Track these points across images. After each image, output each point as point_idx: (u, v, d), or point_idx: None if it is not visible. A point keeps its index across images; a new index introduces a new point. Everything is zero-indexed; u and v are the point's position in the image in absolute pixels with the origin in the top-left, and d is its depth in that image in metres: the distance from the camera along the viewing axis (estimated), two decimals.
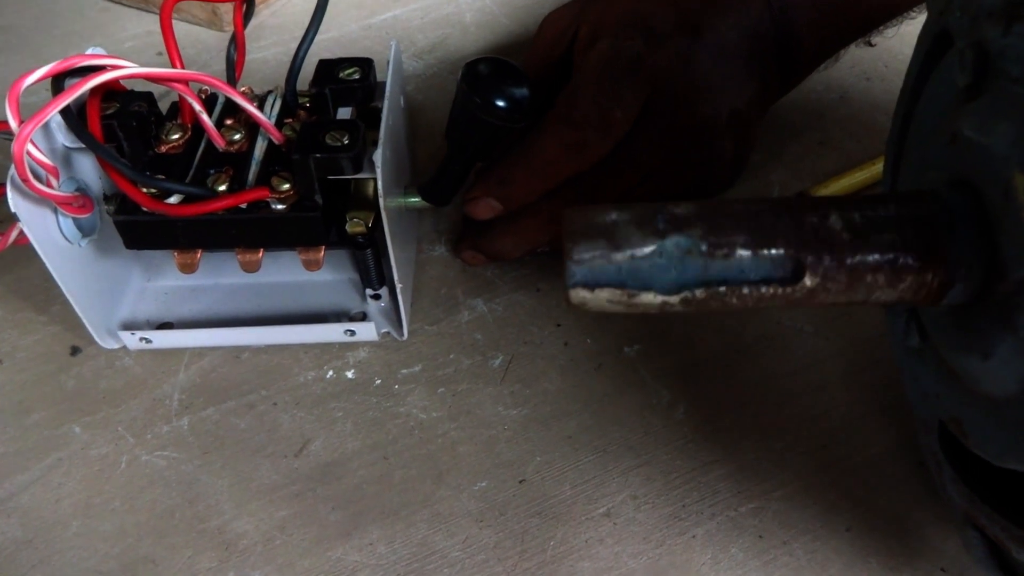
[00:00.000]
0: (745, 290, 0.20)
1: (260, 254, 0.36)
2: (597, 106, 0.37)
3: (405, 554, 0.32)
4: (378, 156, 0.32)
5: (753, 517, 0.33)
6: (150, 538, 0.33)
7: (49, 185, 0.32)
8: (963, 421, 0.23)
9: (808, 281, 0.20)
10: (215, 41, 0.55)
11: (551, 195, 0.39)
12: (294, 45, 0.54)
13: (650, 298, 0.20)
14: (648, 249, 0.20)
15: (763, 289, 0.20)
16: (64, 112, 0.31)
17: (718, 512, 0.33)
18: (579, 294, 0.20)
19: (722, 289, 0.20)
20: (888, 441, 0.35)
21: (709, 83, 0.39)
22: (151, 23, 0.57)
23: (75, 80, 0.31)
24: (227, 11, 0.54)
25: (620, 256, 0.20)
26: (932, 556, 0.32)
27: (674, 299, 0.20)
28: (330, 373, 0.38)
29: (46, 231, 0.34)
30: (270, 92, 0.37)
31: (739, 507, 0.33)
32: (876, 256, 0.20)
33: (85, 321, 0.36)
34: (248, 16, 0.37)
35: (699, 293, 0.20)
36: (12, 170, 0.31)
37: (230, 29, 0.54)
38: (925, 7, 0.29)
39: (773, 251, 0.20)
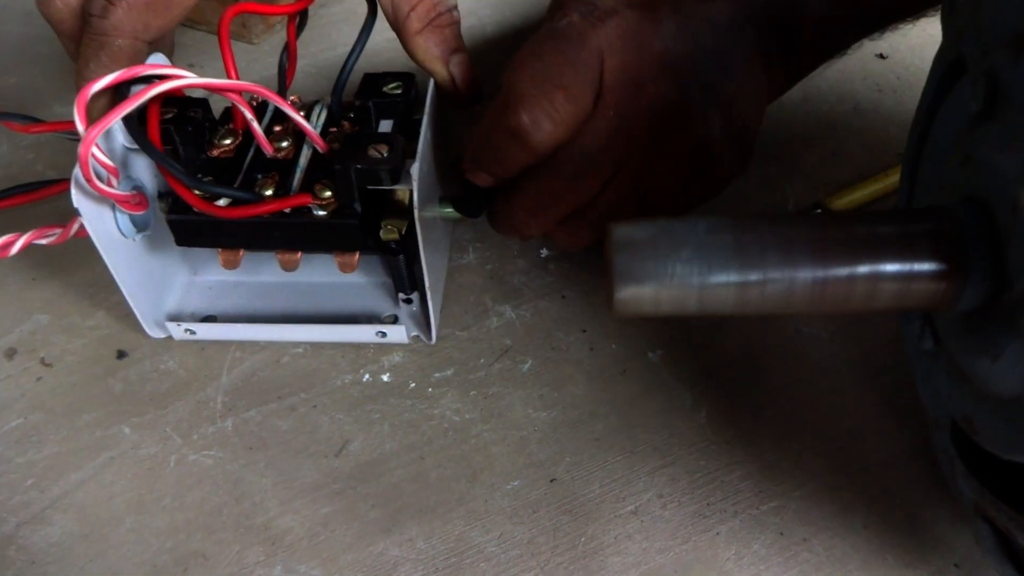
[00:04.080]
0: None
1: (299, 255, 0.39)
2: (535, 86, 0.34)
3: (443, 549, 0.35)
4: (415, 169, 0.35)
5: (774, 515, 0.35)
6: (200, 533, 0.35)
7: (110, 184, 0.35)
8: (974, 419, 0.25)
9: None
10: (243, 52, 0.57)
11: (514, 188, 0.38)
12: (323, 56, 0.57)
13: (685, 228, 0.22)
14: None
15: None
16: (126, 119, 0.34)
17: (741, 510, 0.36)
18: (622, 230, 0.23)
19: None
20: (902, 443, 0.37)
21: (671, 59, 0.36)
22: (180, 36, 0.59)
23: (139, 87, 0.34)
24: (256, 23, 0.57)
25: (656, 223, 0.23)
26: (946, 553, 0.34)
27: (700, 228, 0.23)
28: (366, 377, 0.40)
29: (104, 227, 0.36)
30: (317, 102, 0.40)
31: (760, 506, 0.36)
32: (895, 265, 0.23)
33: (136, 312, 0.39)
34: (301, 27, 0.40)
35: (727, 238, 0.23)
36: (76, 170, 0.33)
37: (258, 41, 0.57)
38: (940, 28, 0.31)
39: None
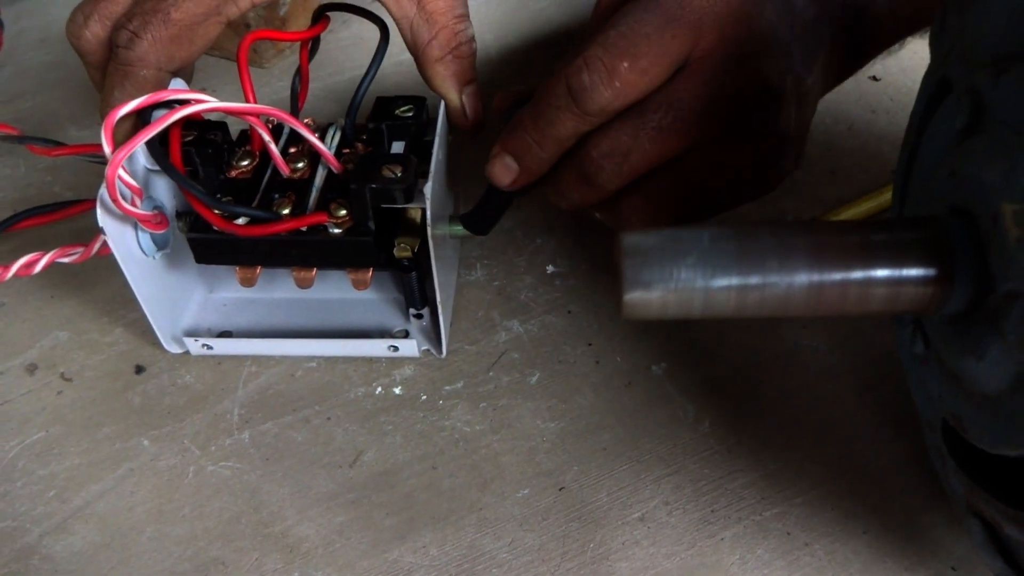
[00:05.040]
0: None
1: (314, 272, 0.41)
2: (604, 52, 0.35)
3: (456, 556, 0.36)
4: (428, 188, 0.37)
5: (777, 521, 0.37)
6: (219, 542, 0.37)
7: (133, 204, 0.37)
8: (962, 417, 0.27)
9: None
10: (254, 76, 0.59)
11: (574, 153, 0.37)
12: (332, 80, 0.59)
13: (691, 236, 0.24)
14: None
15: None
16: (149, 142, 0.36)
17: (744, 517, 0.37)
18: (631, 238, 0.25)
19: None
20: (900, 451, 0.39)
21: (773, 40, 0.35)
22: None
23: (161, 112, 0.36)
24: (266, 48, 0.59)
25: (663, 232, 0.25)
26: (943, 556, 0.36)
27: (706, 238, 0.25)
28: (379, 390, 0.42)
29: (126, 245, 0.38)
30: (331, 124, 0.42)
31: (763, 512, 0.37)
32: (886, 270, 0.25)
33: (155, 328, 0.41)
34: (313, 53, 0.42)
35: (730, 245, 0.25)
36: (103, 190, 0.35)
37: (268, 66, 0.60)
38: (929, 41, 0.33)
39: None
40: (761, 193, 0.39)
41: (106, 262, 0.40)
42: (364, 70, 0.40)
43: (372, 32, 0.42)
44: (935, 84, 0.31)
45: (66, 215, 0.43)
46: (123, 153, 0.34)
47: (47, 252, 0.39)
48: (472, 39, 0.41)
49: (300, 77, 0.42)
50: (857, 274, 0.25)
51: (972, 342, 0.25)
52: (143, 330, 0.43)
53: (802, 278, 0.25)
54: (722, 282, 0.25)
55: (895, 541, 0.36)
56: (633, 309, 0.25)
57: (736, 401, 0.41)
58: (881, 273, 0.25)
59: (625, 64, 0.35)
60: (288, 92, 0.42)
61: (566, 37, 0.63)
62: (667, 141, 0.36)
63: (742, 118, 0.36)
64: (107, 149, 0.35)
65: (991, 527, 0.28)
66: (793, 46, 0.36)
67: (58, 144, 0.43)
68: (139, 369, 0.43)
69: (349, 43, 0.62)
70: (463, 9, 0.41)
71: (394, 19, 0.40)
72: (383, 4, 0.40)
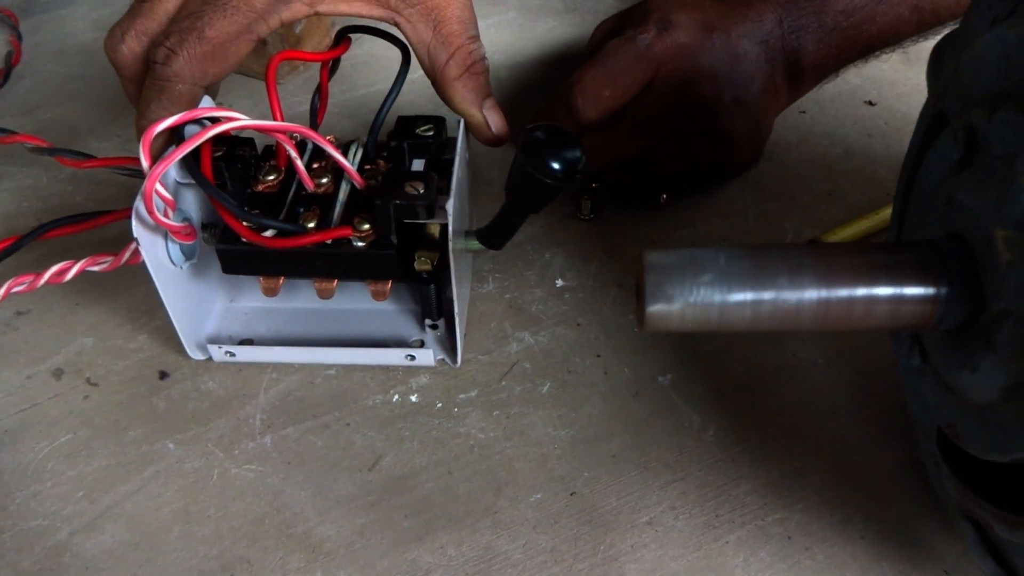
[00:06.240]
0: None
1: (335, 283, 0.43)
2: (591, 82, 0.49)
3: (472, 556, 0.38)
4: (450, 205, 0.39)
5: (779, 526, 0.39)
6: (244, 541, 0.39)
7: (166, 216, 0.39)
8: (956, 425, 0.29)
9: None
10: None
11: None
12: (344, 97, 0.62)
13: (708, 255, 0.27)
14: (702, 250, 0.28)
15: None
16: (184, 158, 0.38)
17: (747, 521, 0.39)
18: (653, 256, 0.28)
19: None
20: (895, 460, 0.41)
21: (713, 71, 0.49)
22: None
23: (194, 128, 0.38)
24: (281, 65, 0.61)
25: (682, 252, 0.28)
26: (937, 560, 0.38)
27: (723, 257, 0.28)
28: (396, 397, 0.44)
29: (157, 255, 0.40)
30: (353, 141, 0.44)
31: (766, 517, 0.40)
32: (888, 289, 0.27)
33: (180, 334, 0.43)
34: (333, 72, 0.44)
35: (744, 264, 0.27)
36: (139, 202, 0.37)
37: (284, 81, 0.62)
38: (924, 76, 0.36)
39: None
40: (724, 177, 0.55)
41: (128, 271, 0.42)
42: (376, 86, 0.43)
43: (384, 50, 0.44)
44: (932, 117, 0.33)
45: (96, 225, 0.44)
46: (162, 167, 0.37)
47: (78, 260, 0.41)
48: (484, 57, 0.44)
49: (320, 94, 0.44)
50: (862, 291, 0.27)
51: (966, 356, 0.28)
52: (166, 337, 0.45)
53: (811, 295, 0.27)
54: (737, 297, 0.27)
55: (891, 546, 0.38)
56: (655, 321, 0.27)
57: (739, 411, 0.44)
58: (884, 291, 0.27)
59: (607, 92, 0.49)
60: (302, 107, 0.44)
61: (571, 57, 0.65)
62: (642, 137, 0.51)
63: (694, 121, 0.50)
64: (145, 163, 0.37)
65: (982, 529, 0.30)
66: (733, 74, 0.51)
67: (87, 156, 0.45)
68: (163, 375, 0.45)
69: (361, 61, 0.64)
70: (475, 31, 0.43)
71: (411, 43, 0.43)
72: (400, 29, 0.42)
